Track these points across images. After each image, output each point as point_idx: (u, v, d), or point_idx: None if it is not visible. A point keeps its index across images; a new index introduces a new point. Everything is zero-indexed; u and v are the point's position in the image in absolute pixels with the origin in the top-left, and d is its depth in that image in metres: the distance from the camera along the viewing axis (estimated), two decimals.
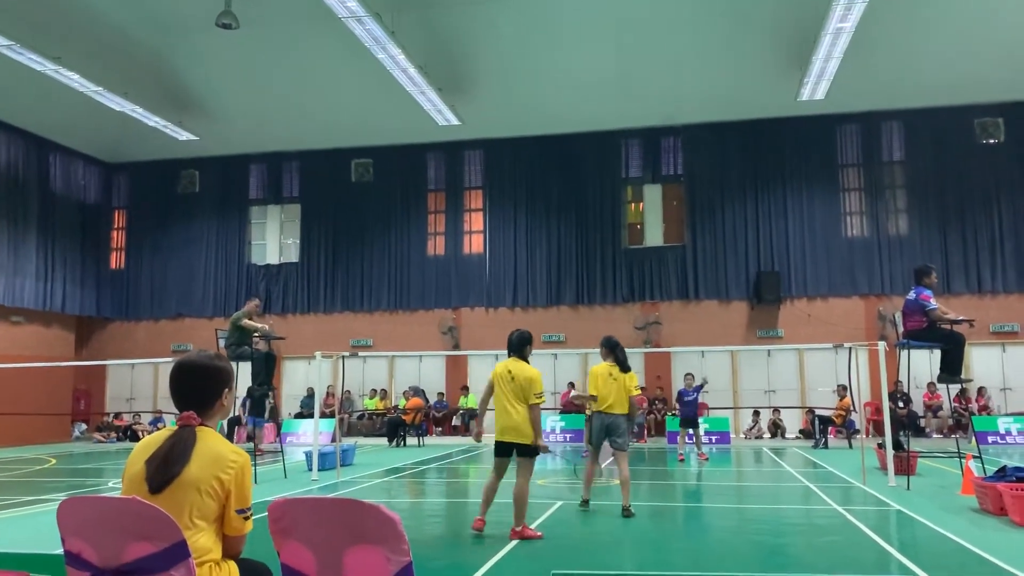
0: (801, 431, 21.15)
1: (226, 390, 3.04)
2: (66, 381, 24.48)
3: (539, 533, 7.42)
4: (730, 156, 23.08)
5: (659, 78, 21.39)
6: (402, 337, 23.72)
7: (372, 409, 23.70)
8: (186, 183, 26.38)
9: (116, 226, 27.04)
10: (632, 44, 20.28)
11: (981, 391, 20.68)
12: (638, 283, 23.26)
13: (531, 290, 23.71)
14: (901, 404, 19.68)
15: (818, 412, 19.36)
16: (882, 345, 11.36)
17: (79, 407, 25.52)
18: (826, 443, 18.46)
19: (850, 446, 17.94)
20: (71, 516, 2.73)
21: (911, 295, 10.42)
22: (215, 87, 22.92)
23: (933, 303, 10.14)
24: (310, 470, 12.83)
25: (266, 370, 12.97)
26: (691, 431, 16.38)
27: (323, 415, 20.36)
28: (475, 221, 24.63)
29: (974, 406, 20.21)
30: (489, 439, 7.82)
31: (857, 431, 17.98)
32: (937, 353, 10.78)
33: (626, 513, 8.50)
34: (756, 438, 21.29)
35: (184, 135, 23.35)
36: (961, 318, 10.22)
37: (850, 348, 12.35)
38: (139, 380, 25.64)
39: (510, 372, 7.46)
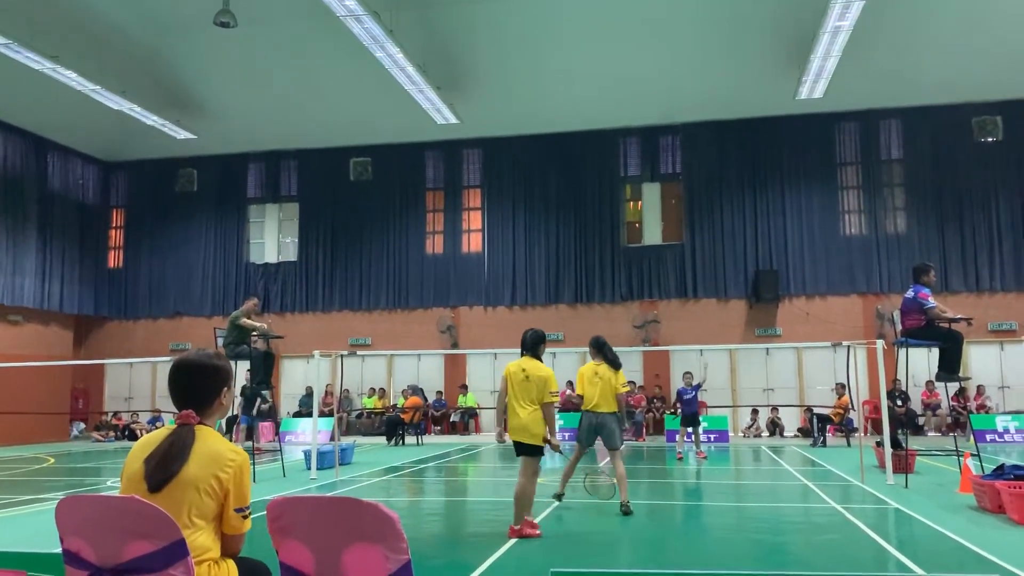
0: (799, 429, 21.17)
1: (225, 389, 3.04)
2: (64, 380, 24.47)
3: (538, 532, 7.42)
4: (729, 154, 23.09)
5: (658, 76, 21.39)
6: (401, 336, 23.72)
7: (371, 408, 23.71)
8: (184, 182, 26.36)
9: (114, 225, 27.02)
10: (630, 43, 20.28)
11: (979, 389, 20.69)
12: (637, 282, 23.26)
13: (530, 289, 23.71)
14: (899, 402, 19.70)
15: (816, 410, 19.38)
16: (880, 343, 11.36)
17: (77, 406, 25.51)
18: (824, 441, 18.47)
19: (848, 444, 17.96)
20: (70, 515, 2.73)
21: (909, 293, 10.42)
22: (213, 86, 22.90)
23: (931, 301, 10.14)
24: (309, 469, 12.82)
25: (264, 369, 12.96)
26: (690, 430, 16.39)
27: (322, 414, 20.39)
28: (474, 220, 24.63)
29: (972, 404, 20.22)
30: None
31: (855, 429, 17.98)
32: (935, 351, 10.78)
33: (624, 509, 8.51)
34: (755, 436, 21.30)
35: (182, 134, 23.33)
36: (959, 316, 10.22)
37: (848, 346, 12.36)
38: (137, 379, 25.63)
39: (524, 371, 7.45)
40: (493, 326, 23.52)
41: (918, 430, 20.59)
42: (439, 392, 23.78)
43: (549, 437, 7.40)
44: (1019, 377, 21.19)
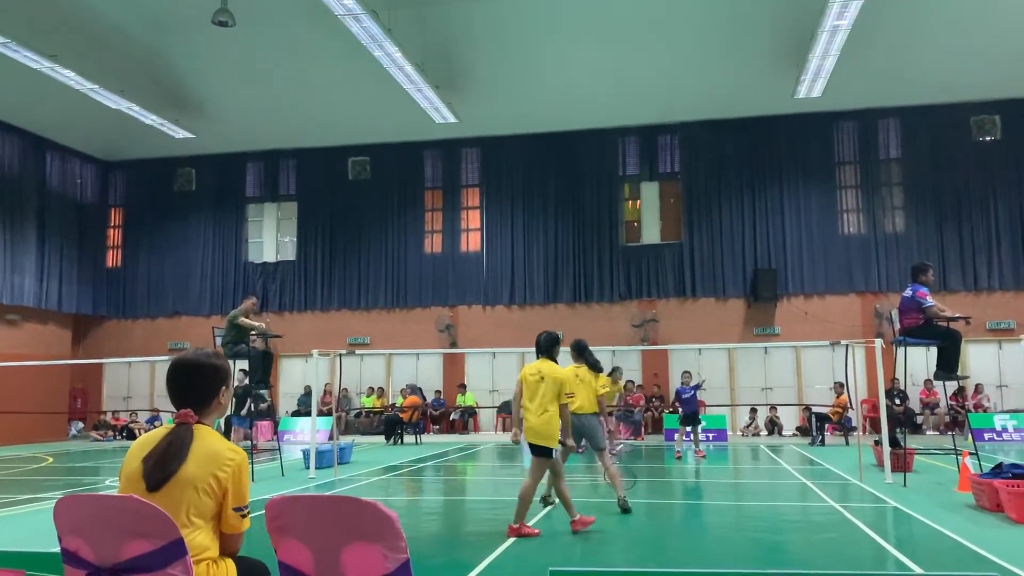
0: (798, 428, 21.18)
1: (223, 388, 3.04)
2: (63, 379, 24.44)
3: (536, 531, 7.43)
4: (727, 154, 23.09)
5: (656, 76, 21.39)
6: (399, 335, 23.71)
7: (369, 407, 23.70)
8: (183, 181, 26.33)
9: (113, 224, 27.00)
10: (629, 42, 20.27)
11: (977, 388, 20.71)
12: (635, 281, 23.26)
13: (528, 288, 23.71)
14: (898, 401, 19.72)
15: (815, 409, 19.41)
16: (879, 342, 11.36)
17: (76, 405, 25.49)
18: (823, 440, 18.49)
19: (847, 443, 17.97)
20: (68, 514, 2.73)
21: (907, 292, 10.43)
22: (212, 85, 22.88)
23: (929, 300, 10.16)
24: (307, 468, 12.82)
25: (263, 368, 12.97)
26: (689, 429, 16.39)
27: (320, 413, 20.41)
28: (472, 219, 24.62)
29: (971, 403, 20.25)
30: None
31: (854, 428, 18.00)
32: (934, 350, 10.79)
33: (622, 504, 8.55)
34: (753, 435, 21.32)
35: (181, 133, 23.31)
36: (957, 315, 10.23)
37: (847, 345, 12.36)
38: (136, 378, 25.61)
39: (539, 373, 7.51)
40: (492, 325, 23.53)
41: (916, 429, 20.61)
42: (438, 391, 23.78)
43: (563, 438, 7.44)
44: (1017, 376, 21.21)
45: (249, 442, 14.88)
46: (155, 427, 3.27)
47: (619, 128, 23.67)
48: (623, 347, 21.69)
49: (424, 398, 22.80)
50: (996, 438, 18.91)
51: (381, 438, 20.86)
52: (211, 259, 25.76)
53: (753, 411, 21.67)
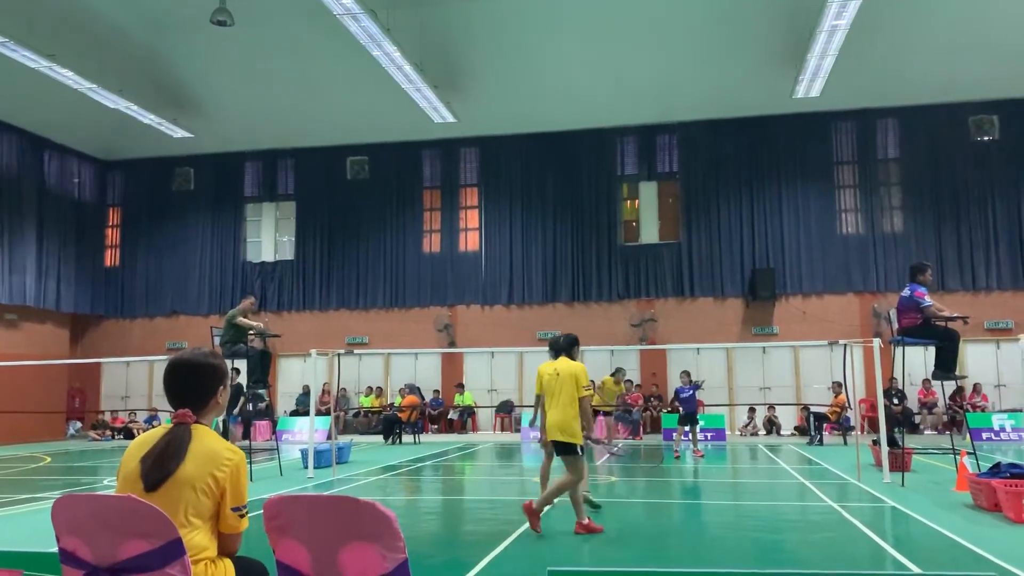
0: (796, 428, 21.19)
1: (221, 388, 3.05)
2: (61, 379, 24.42)
3: (539, 530, 7.41)
4: (725, 153, 23.09)
5: (654, 75, 21.40)
6: (398, 335, 23.70)
7: (368, 407, 23.69)
8: (181, 181, 26.31)
9: (111, 224, 26.97)
10: (627, 41, 20.28)
11: (975, 387, 20.73)
12: (634, 280, 23.27)
13: (527, 287, 23.71)
14: (896, 401, 19.73)
15: (813, 409, 19.42)
16: (877, 342, 11.37)
17: (74, 405, 25.46)
18: (821, 440, 18.51)
19: (845, 443, 17.99)
20: (66, 514, 2.73)
21: (906, 292, 10.44)
22: (210, 84, 22.87)
23: (928, 300, 10.17)
24: (306, 468, 12.82)
25: (261, 368, 12.95)
26: (687, 428, 16.39)
27: (319, 413, 20.40)
28: (471, 218, 24.62)
29: (970, 403, 20.27)
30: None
31: (852, 428, 18.02)
32: (932, 350, 10.80)
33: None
34: (751, 435, 21.33)
35: (179, 132, 23.30)
36: (955, 315, 10.24)
37: (845, 345, 12.37)
38: (134, 378, 25.58)
39: (556, 371, 7.61)
40: (490, 325, 23.53)
41: (914, 428, 20.64)
42: (436, 391, 23.78)
43: (587, 432, 7.45)
44: (1015, 375, 21.22)
45: (247, 442, 14.88)
46: (153, 427, 3.27)
47: (618, 128, 23.67)
48: (621, 347, 21.69)
49: (422, 398, 22.82)
50: (994, 438, 18.93)
51: (379, 438, 20.85)
52: (209, 259, 25.74)
53: (751, 411, 21.68)
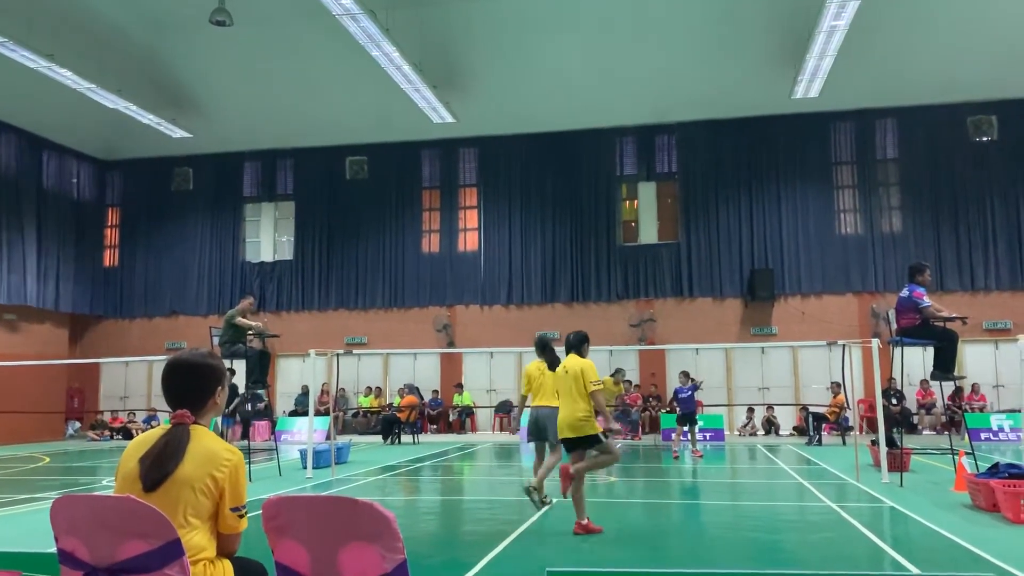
0: (795, 428, 21.20)
1: (219, 388, 3.05)
2: (60, 379, 24.40)
3: (566, 495, 7.49)
4: (724, 154, 23.10)
5: (653, 76, 21.40)
6: (397, 335, 23.70)
7: (367, 407, 23.69)
8: (180, 180, 26.29)
9: (110, 224, 26.96)
10: (626, 42, 20.29)
11: (974, 387, 20.74)
12: (632, 280, 23.27)
13: (526, 287, 23.71)
14: (894, 401, 19.74)
15: (812, 409, 19.43)
16: (875, 342, 11.37)
17: (73, 405, 25.45)
18: (820, 440, 18.52)
19: (844, 443, 18.00)
20: (65, 514, 2.73)
21: (904, 292, 10.45)
22: (209, 84, 22.86)
23: (926, 300, 10.17)
24: (304, 468, 12.82)
25: (260, 368, 12.94)
26: (686, 429, 16.39)
27: (318, 413, 20.39)
28: (470, 219, 24.62)
29: (974, 404, 20.28)
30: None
31: (851, 428, 18.03)
32: (930, 350, 10.81)
33: (543, 500, 8.84)
34: (750, 435, 21.34)
35: (178, 132, 23.28)
36: (954, 315, 10.25)
37: (844, 345, 12.38)
38: (133, 378, 25.56)
39: (565, 369, 7.66)
40: (489, 325, 23.53)
41: (913, 429, 20.65)
42: (435, 391, 23.78)
43: (606, 425, 7.48)
44: (1014, 376, 21.21)
45: (246, 442, 14.88)
46: (152, 427, 3.27)
47: (616, 128, 23.67)
48: (620, 347, 21.70)
49: (421, 398, 22.82)
50: (992, 438, 18.94)
51: (378, 438, 20.85)
52: (208, 259, 25.73)
53: (750, 411, 21.68)
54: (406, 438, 20.57)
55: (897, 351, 10.87)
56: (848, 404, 17.81)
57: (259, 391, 15.48)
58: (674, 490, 11.54)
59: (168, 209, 26.15)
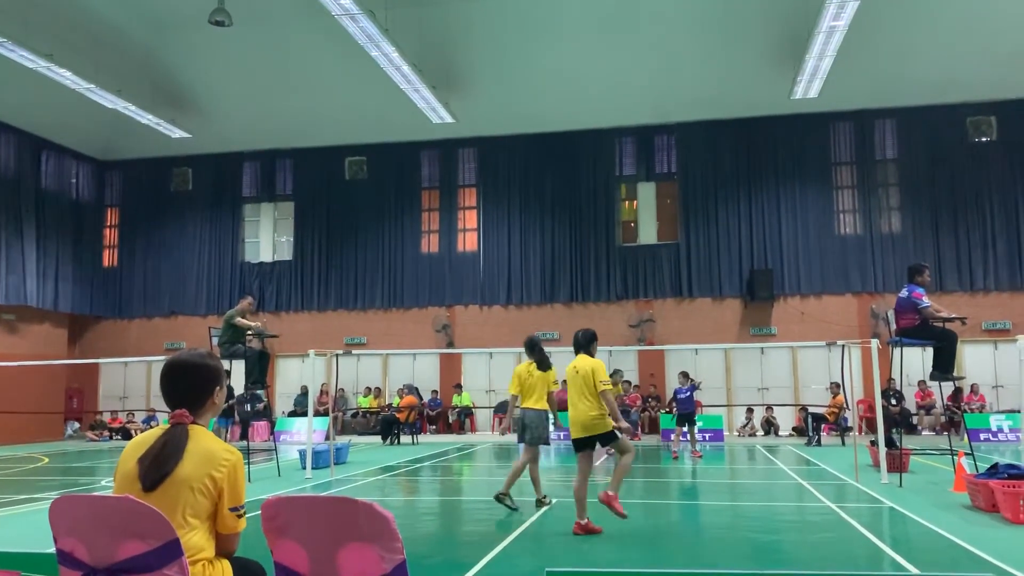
0: (794, 428, 21.20)
1: (217, 388, 3.05)
2: (59, 379, 24.39)
3: (624, 513, 7.43)
4: (723, 154, 23.11)
5: (653, 76, 21.41)
6: (396, 335, 23.70)
7: (366, 407, 23.69)
8: (179, 181, 26.28)
9: (109, 224, 26.95)
10: (626, 42, 20.30)
11: (973, 388, 20.75)
12: (632, 281, 23.28)
13: (525, 288, 23.71)
14: (894, 401, 19.74)
15: (811, 410, 19.43)
16: (875, 343, 11.38)
17: (72, 405, 25.44)
18: (819, 440, 18.51)
19: (843, 443, 17.99)
20: (63, 515, 2.73)
21: (904, 293, 10.45)
22: (208, 85, 22.86)
23: (925, 301, 10.18)
24: (304, 468, 12.81)
25: (260, 368, 12.94)
26: (685, 429, 16.39)
27: (317, 413, 20.37)
28: (469, 219, 24.62)
29: (971, 404, 20.28)
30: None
31: (850, 428, 18.03)
32: (930, 351, 10.81)
33: (541, 501, 8.98)
34: (749, 435, 21.34)
35: (177, 133, 23.27)
36: (953, 316, 10.25)
37: (843, 345, 12.38)
38: (132, 378, 25.56)
39: (575, 368, 7.67)
40: (489, 325, 23.53)
41: (912, 429, 20.66)
42: (434, 391, 23.78)
43: (615, 423, 7.49)
44: (1013, 376, 21.21)
45: (245, 442, 14.87)
46: (151, 427, 3.27)
47: (616, 128, 23.67)
48: (620, 347, 21.70)
49: (421, 398, 22.81)
50: (992, 438, 18.94)
51: (378, 438, 20.85)
52: (207, 259, 25.73)
53: (749, 411, 21.69)
54: (405, 438, 20.56)
55: (896, 351, 10.88)
56: (847, 404, 17.82)
57: (258, 391, 15.48)
58: (673, 490, 11.54)
59: (167, 209, 26.14)
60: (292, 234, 25.60)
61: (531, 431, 9.01)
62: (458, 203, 24.71)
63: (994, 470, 8.59)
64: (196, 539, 2.75)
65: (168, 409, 2.95)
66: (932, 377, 10.71)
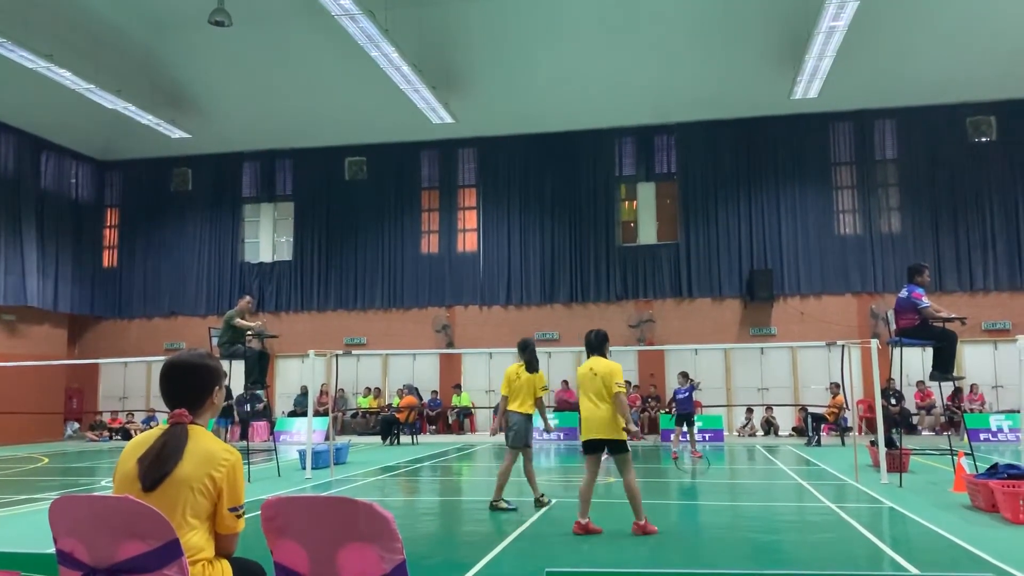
0: (794, 429, 21.20)
1: (216, 388, 3.05)
2: (59, 379, 24.39)
3: (655, 528, 7.44)
4: (723, 154, 23.11)
5: (652, 76, 21.41)
6: (396, 335, 23.70)
7: (366, 407, 23.68)
8: (179, 181, 26.28)
9: (109, 224, 26.95)
10: (625, 42, 20.30)
11: (973, 388, 20.75)
12: (632, 281, 23.27)
13: (525, 288, 23.71)
14: (894, 402, 19.74)
15: (811, 410, 19.43)
16: (875, 343, 11.38)
17: (72, 405, 25.44)
18: (819, 441, 18.51)
19: (843, 444, 18.00)
20: (63, 515, 2.73)
21: (903, 293, 10.45)
22: (208, 85, 22.86)
23: (925, 301, 10.18)
24: (303, 468, 12.82)
25: (259, 369, 12.94)
26: (685, 429, 16.36)
27: (317, 413, 20.38)
28: (469, 219, 24.62)
29: (972, 404, 20.28)
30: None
31: (850, 429, 18.03)
32: (929, 351, 10.81)
33: (540, 501, 9.01)
34: (749, 436, 21.34)
35: (177, 133, 23.27)
36: (953, 316, 10.26)
37: (843, 346, 12.38)
38: (132, 379, 25.56)
39: (592, 370, 7.63)
40: (488, 325, 23.52)
41: (912, 429, 20.65)
42: (434, 392, 23.77)
43: (627, 426, 7.50)
44: (1012, 376, 21.22)
45: (245, 442, 14.87)
46: (151, 427, 3.27)
47: (616, 128, 23.67)
48: (619, 347, 21.56)
49: (420, 398, 22.80)
50: (992, 439, 18.95)
51: (377, 438, 20.85)
52: (207, 259, 25.72)
53: (749, 411, 21.68)
54: (405, 439, 20.56)
55: (896, 351, 10.88)
56: (847, 404, 17.82)
57: (258, 392, 15.48)
58: (673, 490, 11.54)
59: (167, 209, 26.14)
60: (292, 234, 25.60)
61: (513, 433, 9.02)
62: (458, 203, 24.71)
63: (994, 470, 8.59)
64: (196, 539, 2.75)
65: (167, 409, 2.95)
66: (932, 377, 10.71)
